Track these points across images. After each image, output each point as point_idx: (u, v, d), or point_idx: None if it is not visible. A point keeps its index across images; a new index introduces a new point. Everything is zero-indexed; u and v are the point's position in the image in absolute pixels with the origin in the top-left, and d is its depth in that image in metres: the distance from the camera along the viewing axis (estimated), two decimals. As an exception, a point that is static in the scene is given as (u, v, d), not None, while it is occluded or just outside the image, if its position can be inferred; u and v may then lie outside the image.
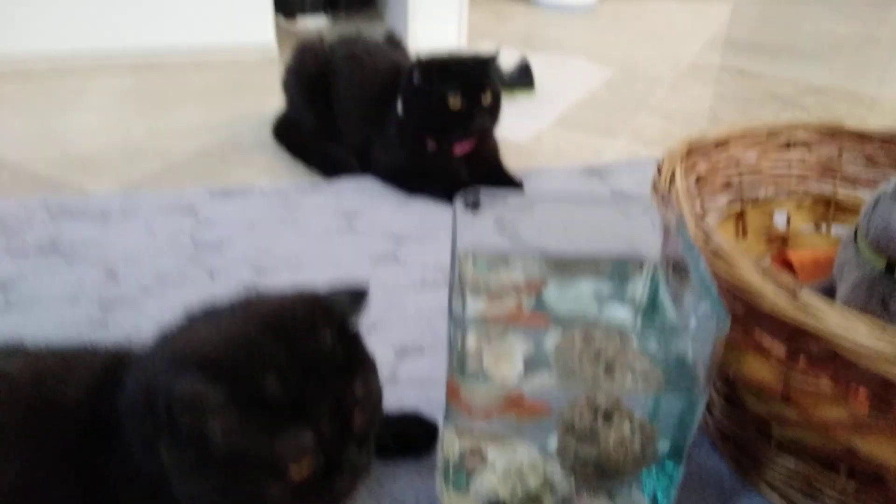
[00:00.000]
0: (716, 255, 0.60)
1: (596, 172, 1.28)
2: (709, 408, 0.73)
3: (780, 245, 0.90)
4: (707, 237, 0.61)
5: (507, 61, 1.66)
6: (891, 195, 0.71)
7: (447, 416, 0.58)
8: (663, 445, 0.60)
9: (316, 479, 0.50)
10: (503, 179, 1.19)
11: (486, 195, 0.68)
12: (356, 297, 0.57)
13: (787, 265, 0.87)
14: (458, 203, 0.66)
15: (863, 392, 0.55)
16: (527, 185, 1.20)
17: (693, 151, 0.79)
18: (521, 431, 0.62)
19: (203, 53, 1.73)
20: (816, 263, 0.86)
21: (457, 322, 0.54)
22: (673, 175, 0.72)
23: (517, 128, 1.47)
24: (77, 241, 1.00)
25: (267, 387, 0.48)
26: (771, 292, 0.55)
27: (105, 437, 0.52)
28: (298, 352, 0.50)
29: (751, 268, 0.57)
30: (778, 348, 0.59)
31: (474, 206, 0.71)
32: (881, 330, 0.51)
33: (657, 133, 1.50)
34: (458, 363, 0.56)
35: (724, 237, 0.83)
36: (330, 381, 0.51)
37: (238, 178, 1.21)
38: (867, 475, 0.61)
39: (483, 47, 1.88)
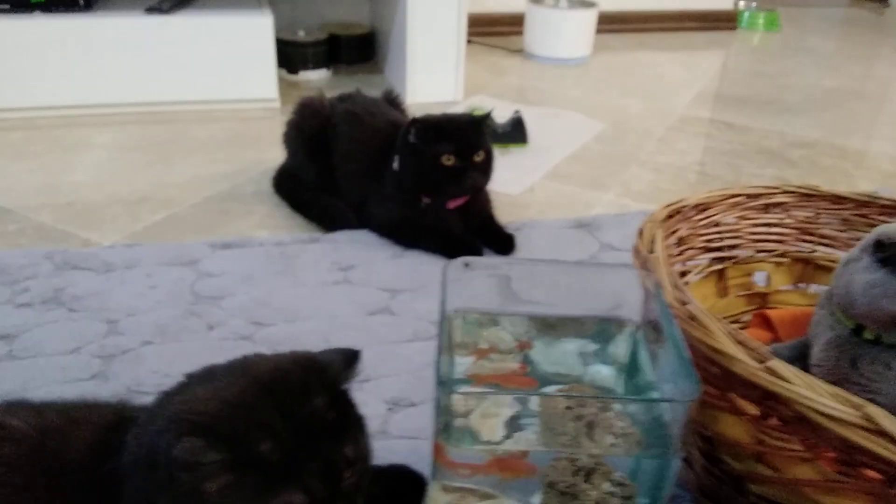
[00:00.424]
0: (691, 320, 0.63)
1: (585, 226, 1.32)
2: (689, 464, 0.76)
3: (760, 303, 0.93)
4: (683, 303, 0.64)
5: (501, 115, 1.71)
6: (852, 260, 0.74)
7: (433, 474, 0.61)
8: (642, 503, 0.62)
9: None
10: (495, 233, 1.23)
11: (477, 258, 0.72)
12: (349, 360, 0.60)
13: (767, 322, 0.90)
14: (450, 266, 0.69)
15: (830, 454, 0.58)
16: (518, 238, 1.24)
17: (674, 215, 0.83)
18: (506, 488, 0.64)
19: (207, 106, 1.78)
20: (795, 321, 0.89)
21: (443, 384, 0.56)
22: (653, 239, 0.75)
23: (510, 181, 1.51)
24: (79, 293, 1.03)
25: (262, 449, 0.51)
26: (742, 358, 0.58)
27: (107, 494, 0.54)
28: (292, 415, 0.53)
29: (723, 334, 0.60)
30: (751, 410, 0.62)
31: (465, 266, 0.75)
32: (844, 397, 0.54)
33: (646, 187, 1.54)
34: (444, 423, 0.58)
35: (700, 302, 0.87)
36: (322, 444, 0.54)
37: (238, 230, 1.24)
38: (838, 533, 0.63)
39: (478, 101, 1.95)
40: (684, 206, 0.84)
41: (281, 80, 1.89)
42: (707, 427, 0.68)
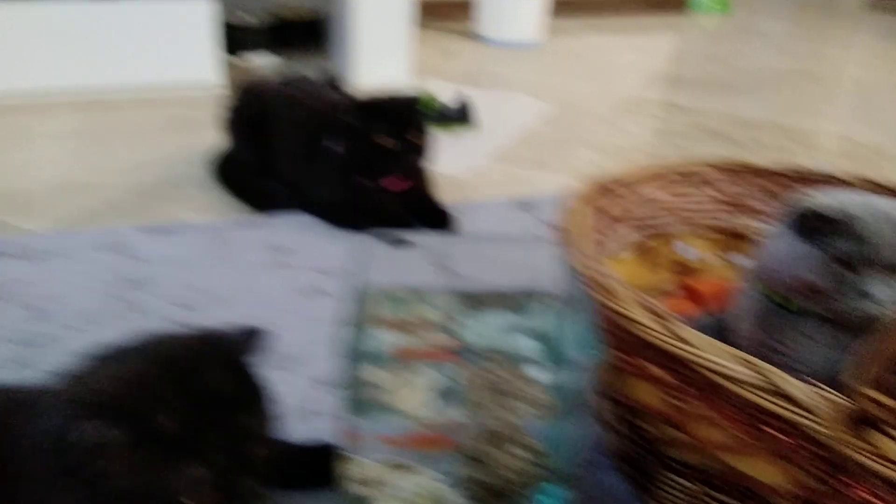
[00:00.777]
0: (603, 289, 0.63)
1: (526, 205, 1.32)
2: (609, 431, 0.76)
3: (689, 276, 0.94)
4: (596, 272, 0.65)
5: (449, 98, 1.71)
6: (775, 232, 0.75)
7: (344, 450, 0.60)
8: (556, 468, 0.62)
9: None
10: (435, 214, 1.23)
11: (407, 234, 0.72)
12: (250, 336, 0.60)
13: (696, 295, 0.91)
14: (370, 242, 0.69)
15: (735, 415, 0.59)
16: (459, 219, 1.24)
17: (602, 191, 0.83)
18: (424, 461, 0.64)
19: (148, 91, 1.75)
20: (723, 293, 0.90)
21: (350, 357, 0.56)
22: (575, 214, 0.75)
23: (455, 163, 1.51)
24: (5, 280, 1.01)
25: (162, 425, 0.51)
26: (649, 324, 0.59)
27: (8, 479, 0.53)
28: (191, 389, 0.53)
29: (632, 301, 0.61)
30: (661, 375, 0.62)
31: (397, 243, 0.74)
32: (746, 359, 0.55)
33: (591, 167, 1.55)
34: (353, 397, 0.58)
35: (629, 277, 0.88)
36: (223, 417, 0.54)
37: (173, 215, 1.23)
38: (751, 495, 0.64)
39: (429, 85, 1.94)
40: (612, 183, 0.85)
41: (227, 65, 1.86)
42: (623, 393, 0.68)
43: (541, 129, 1.76)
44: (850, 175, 0.91)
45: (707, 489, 0.67)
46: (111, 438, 0.49)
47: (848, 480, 0.54)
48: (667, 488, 0.70)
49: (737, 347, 0.79)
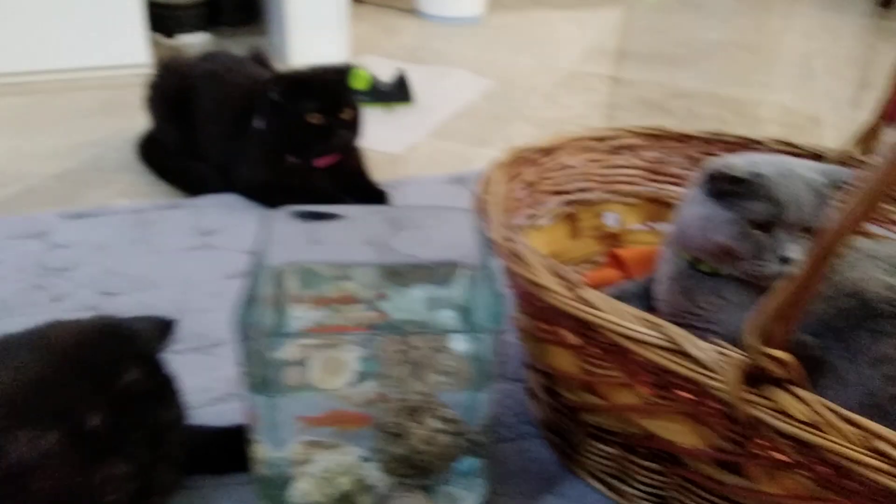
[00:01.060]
0: (515, 257, 0.63)
1: (462, 180, 1.31)
2: (535, 399, 0.77)
3: (612, 243, 0.95)
4: (507, 241, 0.64)
5: (385, 74, 1.69)
6: (689, 195, 0.76)
7: (253, 431, 0.59)
8: (474, 440, 0.62)
9: (131, 502, 0.54)
10: (368, 191, 1.21)
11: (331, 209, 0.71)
12: (163, 329, 0.59)
13: (619, 262, 0.92)
14: (275, 215, 0.68)
15: (646, 378, 0.59)
16: (394, 195, 1.23)
17: (519, 159, 0.83)
18: (342, 438, 0.63)
19: (74, 74, 1.69)
20: (645, 259, 0.91)
21: (244, 334, 0.54)
22: (491, 182, 0.75)
23: (392, 139, 1.49)
24: (-84, 271, 0.97)
25: (81, 424, 0.51)
26: (557, 289, 0.59)
27: None
28: (107, 387, 0.53)
29: (542, 268, 0.61)
30: (573, 340, 0.63)
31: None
32: (648, 320, 0.55)
33: (528, 141, 1.55)
34: (268, 378, 0.57)
35: (552, 245, 0.88)
36: (141, 412, 0.55)
37: (97, 200, 1.19)
38: (666, 456, 0.65)
39: (368, 62, 1.91)
40: (532, 152, 0.84)
41: (157, 45, 1.81)
42: (542, 361, 0.69)
43: (479, 104, 1.75)
44: (770, 138, 0.92)
45: (627, 454, 0.68)
46: (46, 446, 0.49)
47: (757, 439, 0.55)
48: (590, 455, 0.71)
49: (659, 312, 0.81)
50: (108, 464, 0.52)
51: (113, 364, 0.55)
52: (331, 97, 1.12)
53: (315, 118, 1.11)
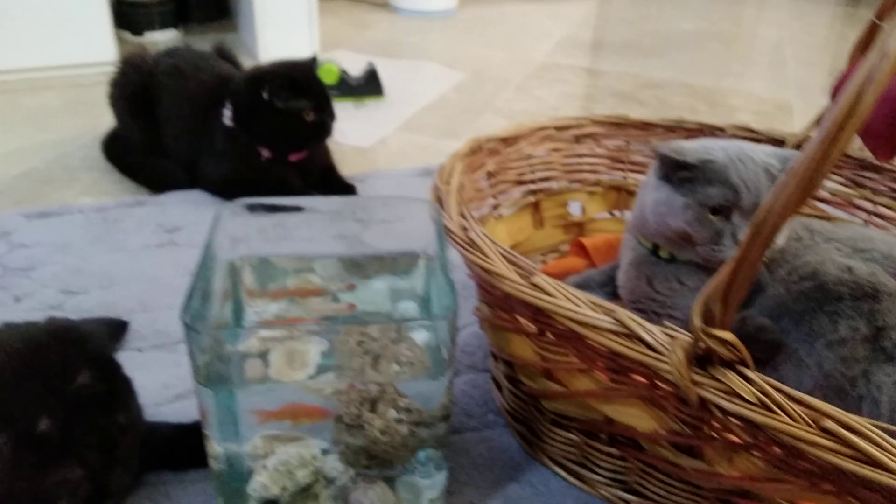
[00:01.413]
0: (471, 245, 0.63)
1: (431, 173, 1.31)
2: (499, 387, 0.77)
3: (576, 232, 0.95)
4: (463, 230, 0.65)
5: (356, 69, 1.68)
6: (646, 183, 0.77)
7: (206, 426, 0.59)
8: (436, 428, 0.62)
9: None
10: (337, 185, 1.21)
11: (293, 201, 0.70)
12: (115, 331, 0.60)
13: (584, 250, 0.92)
14: (229, 208, 0.67)
15: (601, 363, 0.60)
16: (362, 189, 1.23)
17: (480, 149, 0.83)
18: (304, 432, 0.63)
19: (39, 73, 1.67)
20: (609, 247, 0.91)
21: (190, 326, 0.53)
22: (451, 172, 0.75)
23: (361, 133, 1.49)
24: None
25: (33, 428, 0.51)
26: (511, 276, 0.59)
27: None
28: (60, 391, 0.53)
29: (497, 256, 0.61)
30: (531, 328, 0.63)
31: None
32: (599, 305, 0.55)
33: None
34: (205, 372, 0.56)
35: (516, 235, 0.88)
36: (94, 416, 0.55)
37: (61, 199, 1.17)
38: (626, 441, 0.65)
39: (339, 56, 1.91)
40: (491, 140, 0.84)
41: (124, 43, 1.79)
42: (503, 350, 0.69)
43: (450, 97, 1.75)
44: (731, 125, 0.93)
45: (589, 440, 0.68)
46: None
47: (710, 421, 0.56)
48: (553, 443, 0.71)
49: (621, 299, 0.82)
50: (61, 468, 0.52)
51: (64, 367, 0.55)
52: (322, 93, 1.14)
53: (310, 115, 1.11)
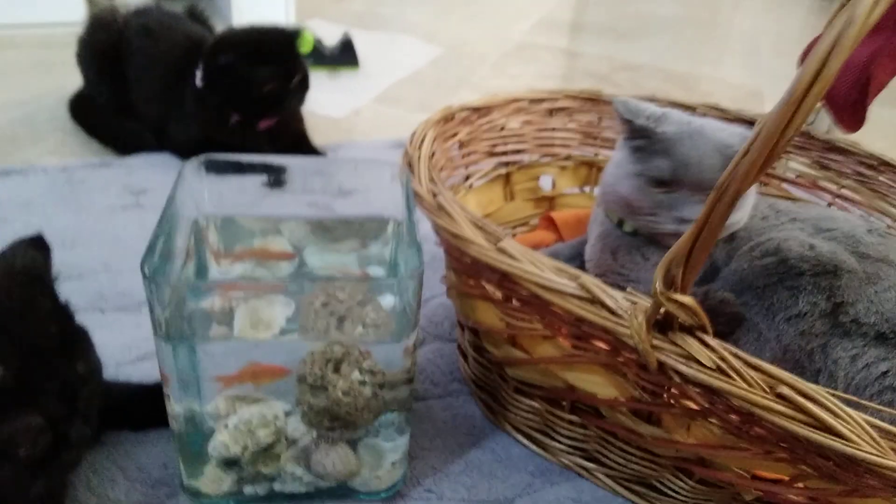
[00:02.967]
0: (438, 210, 0.63)
1: (402, 145, 1.30)
2: (464, 356, 0.78)
3: (547, 206, 0.95)
4: (434, 195, 0.64)
5: (332, 39, 1.66)
6: (613, 156, 0.77)
7: (166, 385, 0.58)
8: (401, 392, 0.62)
9: (44, 456, 0.52)
10: (307, 153, 1.20)
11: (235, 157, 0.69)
12: (43, 251, 0.58)
13: (553, 224, 0.93)
14: (193, 165, 0.66)
15: (564, 330, 0.60)
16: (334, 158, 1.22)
17: (453, 117, 0.82)
18: (266, 394, 0.63)
19: (6, 31, 1.63)
20: (579, 222, 0.92)
21: (151, 279, 0.53)
22: (423, 139, 0.75)
23: (335, 103, 1.48)
24: None
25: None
26: (478, 241, 0.59)
27: None
28: (19, 337, 0.52)
29: (465, 221, 0.61)
30: (496, 293, 0.63)
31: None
32: (564, 270, 0.55)
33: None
34: (167, 326, 0.55)
35: (486, 206, 0.88)
36: (54, 362, 0.53)
37: (26, 158, 1.15)
38: (585, 408, 0.66)
39: (314, 25, 1.88)
40: (465, 110, 0.84)
41: (93, 3, 1.74)
42: (470, 317, 0.69)
43: (426, 71, 1.74)
44: (703, 104, 0.93)
45: (550, 408, 0.69)
46: None
47: (669, 388, 0.57)
48: (516, 410, 0.72)
49: (587, 271, 0.82)
50: (20, 415, 0.51)
51: (20, 312, 0.53)
52: (285, 64, 1.10)
53: (269, 86, 1.09)
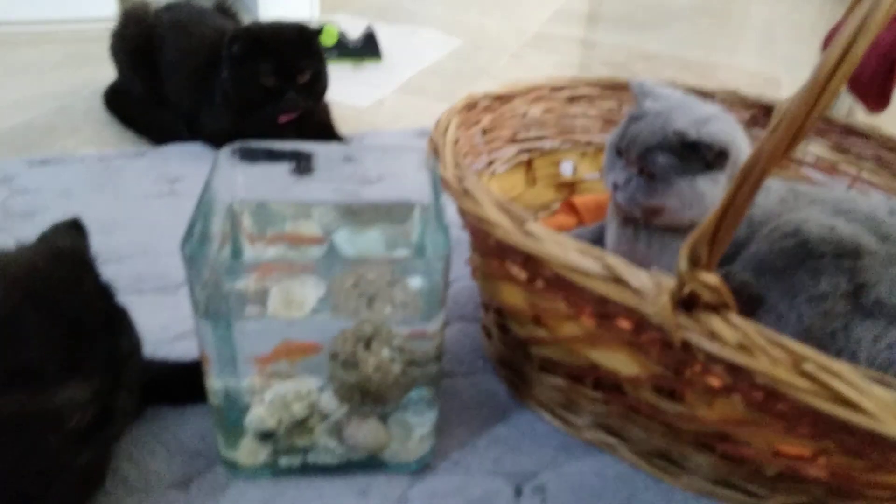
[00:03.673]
0: (465, 194, 0.65)
1: (427, 134, 1.32)
2: (489, 335, 0.80)
3: (567, 192, 0.97)
4: (460, 179, 0.66)
5: (355, 31, 1.69)
6: None
7: (206, 361, 0.61)
8: (430, 369, 0.65)
9: (90, 428, 0.54)
10: (333, 142, 1.22)
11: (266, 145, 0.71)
12: (81, 232, 0.60)
13: (574, 209, 0.95)
14: (228, 153, 0.69)
15: (588, 309, 0.62)
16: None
17: (476, 105, 0.84)
18: (300, 371, 0.65)
19: (41, 27, 1.67)
20: (599, 207, 0.93)
21: (191, 259, 0.55)
22: (448, 126, 0.77)
23: (359, 94, 1.50)
24: None
25: (34, 354, 0.51)
26: (503, 223, 0.61)
27: None
28: (61, 313, 0.53)
29: (491, 203, 0.63)
30: (521, 274, 0.65)
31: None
32: (588, 251, 0.57)
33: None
34: (206, 305, 0.58)
35: (508, 192, 0.90)
36: (98, 337, 0.55)
37: (63, 149, 1.18)
38: (609, 385, 0.68)
39: (337, 19, 1.90)
40: (487, 97, 0.86)
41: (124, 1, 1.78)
42: (495, 298, 0.71)
43: (447, 62, 1.76)
44: (722, 90, 0.95)
45: (574, 385, 0.70)
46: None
47: (692, 365, 0.58)
48: (540, 387, 0.74)
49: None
50: (67, 389, 0.52)
51: (63, 288, 0.55)
52: (287, 60, 1.10)
53: (269, 80, 1.09)
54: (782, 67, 1.92)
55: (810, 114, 0.42)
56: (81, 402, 0.53)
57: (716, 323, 0.51)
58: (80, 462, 0.56)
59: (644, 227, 0.77)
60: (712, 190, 0.73)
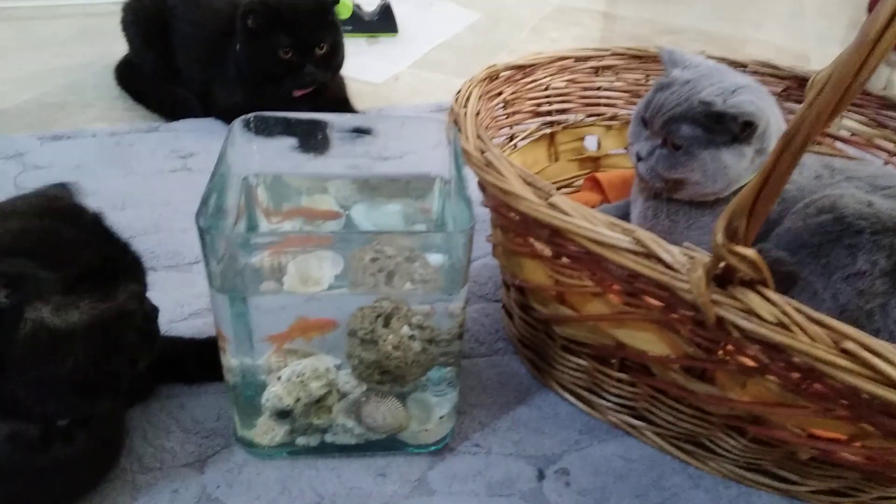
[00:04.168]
0: (488, 167, 0.62)
1: (444, 110, 1.30)
2: (510, 315, 0.77)
3: (591, 167, 0.94)
4: (482, 152, 0.64)
5: (370, 5, 1.65)
6: None
7: (222, 338, 0.59)
8: (448, 346, 0.62)
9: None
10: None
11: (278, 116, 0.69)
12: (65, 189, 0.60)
13: (598, 185, 0.92)
14: (242, 125, 0.67)
15: (616, 286, 0.60)
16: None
17: (496, 77, 0.81)
18: (317, 348, 0.64)
19: (53, 1, 1.65)
20: (624, 183, 0.90)
21: (206, 229, 0.53)
22: (468, 97, 0.74)
23: (375, 69, 1.47)
24: None
25: (86, 260, 0.51)
26: (528, 196, 0.58)
27: None
28: (93, 228, 0.55)
29: (515, 176, 0.60)
30: (545, 251, 0.63)
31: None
32: (617, 224, 0.55)
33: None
34: (222, 278, 0.56)
35: (531, 167, 0.87)
36: (123, 246, 0.56)
37: (74, 124, 1.17)
38: (634, 366, 0.66)
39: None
40: (509, 68, 0.83)
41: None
42: (517, 276, 0.69)
43: (464, 36, 1.73)
44: (754, 61, 0.91)
45: (599, 366, 0.68)
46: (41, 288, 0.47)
47: (725, 344, 0.56)
48: (563, 368, 0.72)
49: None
50: (127, 286, 0.53)
51: (79, 210, 0.56)
52: (304, 33, 1.08)
53: (286, 54, 1.07)
54: (811, 43, 1.87)
55: (857, 76, 0.39)
56: (139, 296, 0.55)
57: (753, 299, 0.48)
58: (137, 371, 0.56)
59: (668, 200, 0.74)
60: (738, 164, 0.70)
